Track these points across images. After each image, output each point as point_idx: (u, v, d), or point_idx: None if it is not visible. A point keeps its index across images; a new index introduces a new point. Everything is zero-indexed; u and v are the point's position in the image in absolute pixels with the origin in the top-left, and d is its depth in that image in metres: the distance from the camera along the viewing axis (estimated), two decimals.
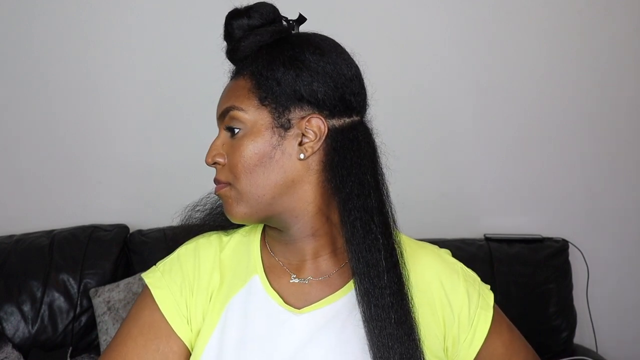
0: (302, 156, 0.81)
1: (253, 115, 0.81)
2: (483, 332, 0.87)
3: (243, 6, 0.84)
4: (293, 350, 0.81)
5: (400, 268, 0.81)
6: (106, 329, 1.83)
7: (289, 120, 0.81)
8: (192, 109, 2.08)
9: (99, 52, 2.09)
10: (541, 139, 2.15)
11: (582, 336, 2.09)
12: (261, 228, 0.92)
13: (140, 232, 2.04)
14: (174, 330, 0.84)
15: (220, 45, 0.87)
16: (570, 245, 2.07)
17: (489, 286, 0.92)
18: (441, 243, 0.97)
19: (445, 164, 2.16)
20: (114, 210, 2.13)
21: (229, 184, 0.83)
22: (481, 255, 1.99)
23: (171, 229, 2.00)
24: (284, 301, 0.84)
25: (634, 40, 2.12)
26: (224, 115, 0.83)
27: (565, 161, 2.16)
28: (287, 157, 0.81)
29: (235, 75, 0.85)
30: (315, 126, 0.81)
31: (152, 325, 0.85)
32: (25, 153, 2.12)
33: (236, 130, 0.82)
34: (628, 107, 2.15)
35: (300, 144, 0.81)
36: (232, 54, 0.85)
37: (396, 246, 0.81)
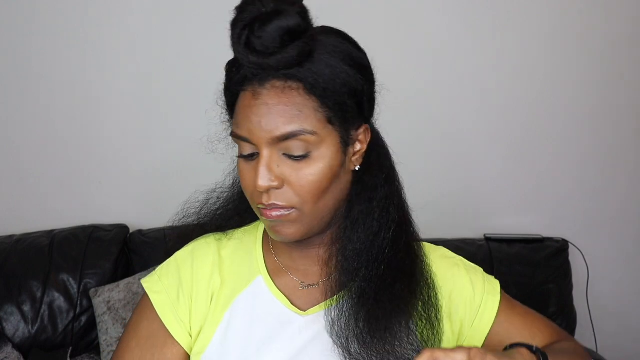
0: (357, 168, 0.79)
1: (322, 136, 0.74)
2: (492, 311, 0.88)
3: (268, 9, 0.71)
4: (297, 350, 0.81)
5: (416, 273, 0.82)
6: (106, 329, 1.83)
7: (351, 137, 0.78)
8: (193, 109, 2.08)
9: (99, 52, 2.08)
10: (541, 139, 2.15)
11: (582, 336, 2.09)
12: (262, 228, 0.91)
13: (140, 232, 2.04)
14: (171, 335, 0.84)
15: (225, 46, 0.77)
16: (570, 245, 2.07)
17: (492, 277, 0.94)
18: (441, 243, 0.98)
19: (445, 164, 2.16)
20: (114, 210, 2.12)
21: (293, 207, 0.76)
22: (481, 255, 1.98)
23: (171, 229, 2.00)
24: (290, 302, 0.84)
25: (634, 40, 2.12)
26: (286, 139, 0.73)
27: (565, 161, 2.16)
28: (345, 172, 0.79)
29: (276, 88, 0.73)
30: (363, 135, 0.80)
31: (149, 337, 0.85)
32: (25, 153, 2.12)
33: (300, 153, 0.74)
34: (628, 107, 2.14)
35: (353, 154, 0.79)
36: (260, 65, 0.72)
37: (399, 246, 0.82)
